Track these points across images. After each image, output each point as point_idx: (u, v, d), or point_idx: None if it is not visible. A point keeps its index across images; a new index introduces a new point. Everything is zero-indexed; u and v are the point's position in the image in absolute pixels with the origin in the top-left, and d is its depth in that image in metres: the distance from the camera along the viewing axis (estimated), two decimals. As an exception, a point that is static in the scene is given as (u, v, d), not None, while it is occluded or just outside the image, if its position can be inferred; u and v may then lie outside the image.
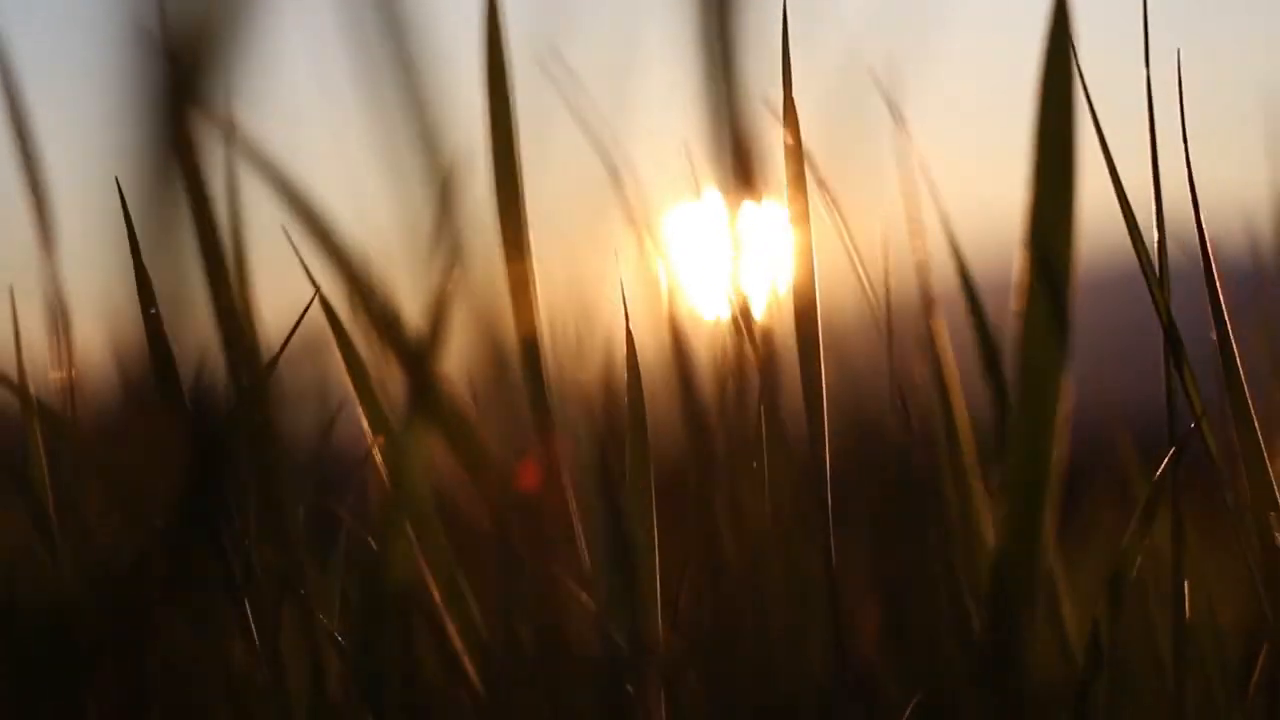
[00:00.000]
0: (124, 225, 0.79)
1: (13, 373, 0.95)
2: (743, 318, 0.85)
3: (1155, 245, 0.89)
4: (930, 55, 0.86)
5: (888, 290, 0.90)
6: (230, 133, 0.79)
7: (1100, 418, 1.14)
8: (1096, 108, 0.84)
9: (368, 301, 0.78)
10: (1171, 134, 0.88)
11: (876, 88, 0.90)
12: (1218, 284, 0.88)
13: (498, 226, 0.86)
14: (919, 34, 0.83)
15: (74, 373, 0.93)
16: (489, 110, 0.87)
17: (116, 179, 0.71)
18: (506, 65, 0.86)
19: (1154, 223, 0.89)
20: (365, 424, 0.89)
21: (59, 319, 0.92)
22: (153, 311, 0.85)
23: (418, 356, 0.77)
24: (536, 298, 0.85)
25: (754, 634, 0.84)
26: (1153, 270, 0.89)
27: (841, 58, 0.83)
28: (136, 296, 0.85)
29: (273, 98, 0.72)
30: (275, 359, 0.90)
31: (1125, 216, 0.89)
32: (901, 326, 0.89)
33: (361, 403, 0.90)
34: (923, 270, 0.89)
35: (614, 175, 0.87)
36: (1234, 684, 1.03)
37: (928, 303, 0.87)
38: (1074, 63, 0.75)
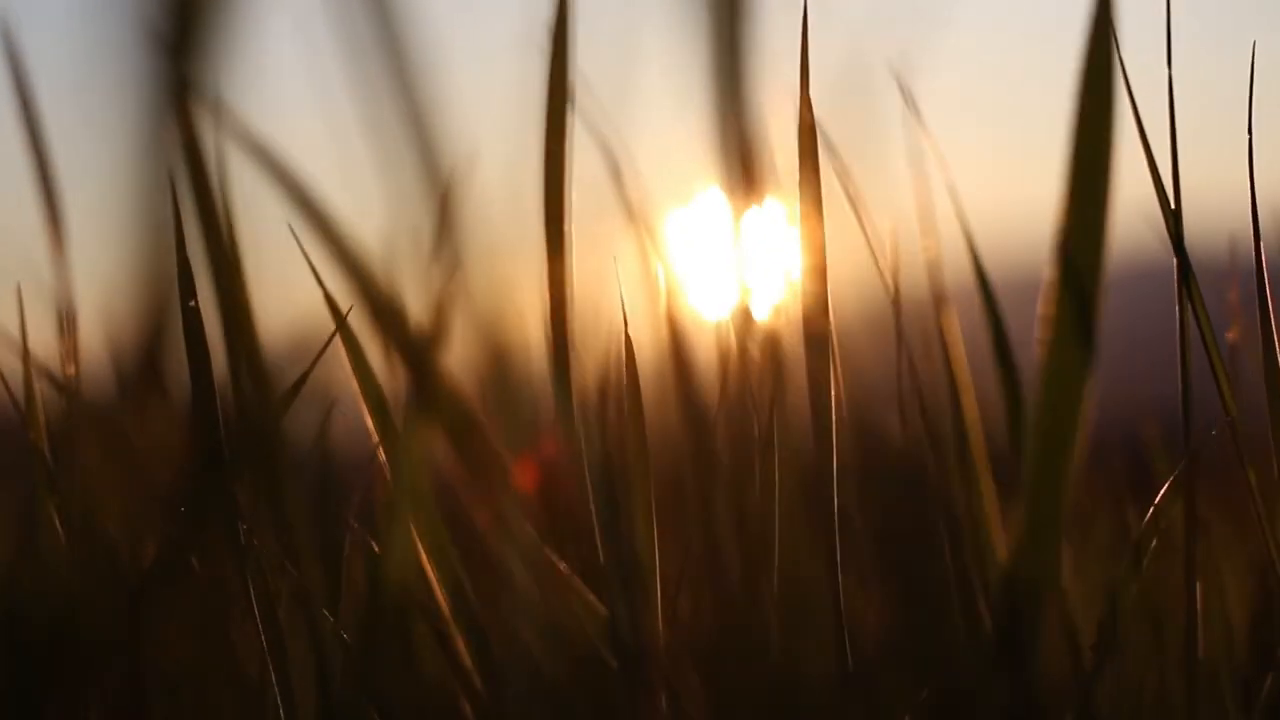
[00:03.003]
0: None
1: (18, 369, 0.92)
2: (746, 317, 0.82)
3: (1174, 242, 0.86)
4: (940, 52, 0.83)
5: (897, 287, 0.87)
6: (228, 125, 0.76)
7: (1114, 416, 1.11)
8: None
9: (371, 296, 0.74)
10: (1190, 133, 0.85)
11: (887, 83, 0.87)
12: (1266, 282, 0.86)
13: (541, 225, 0.84)
14: (929, 31, 0.80)
15: (78, 367, 0.90)
16: (546, 107, 0.84)
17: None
18: (569, 64, 0.83)
19: (1172, 220, 0.86)
20: (369, 421, 0.87)
21: (66, 314, 0.90)
22: (191, 305, 0.83)
23: (421, 352, 0.74)
24: (571, 296, 0.83)
25: (757, 634, 0.81)
26: (1183, 266, 0.86)
27: (851, 53, 0.80)
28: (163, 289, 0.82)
29: (267, 92, 0.69)
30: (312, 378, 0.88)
31: (1164, 214, 0.86)
32: (912, 323, 0.86)
33: (365, 400, 0.87)
34: (934, 267, 0.85)
35: (616, 172, 0.84)
36: (1245, 682, 1.01)
37: (939, 299, 0.84)
38: (1117, 62, 0.72)
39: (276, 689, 0.86)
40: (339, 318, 0.88)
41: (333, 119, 0.70)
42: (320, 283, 0.88)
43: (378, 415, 0.87)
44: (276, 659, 0.86)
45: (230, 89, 0.65)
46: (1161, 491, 0.89)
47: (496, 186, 0.78)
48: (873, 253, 0.85)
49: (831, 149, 0.85)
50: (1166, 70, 0.85)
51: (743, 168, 0.74)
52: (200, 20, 0.63)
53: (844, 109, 0.81)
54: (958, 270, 0.92)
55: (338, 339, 0.88)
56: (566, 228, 0.84)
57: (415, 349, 0.74)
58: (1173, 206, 0.86)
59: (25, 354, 0.92)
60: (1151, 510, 0.89)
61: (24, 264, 0.93)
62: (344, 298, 0.88)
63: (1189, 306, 0.86)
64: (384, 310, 0.74)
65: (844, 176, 0.85)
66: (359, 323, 0.88)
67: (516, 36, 0.85)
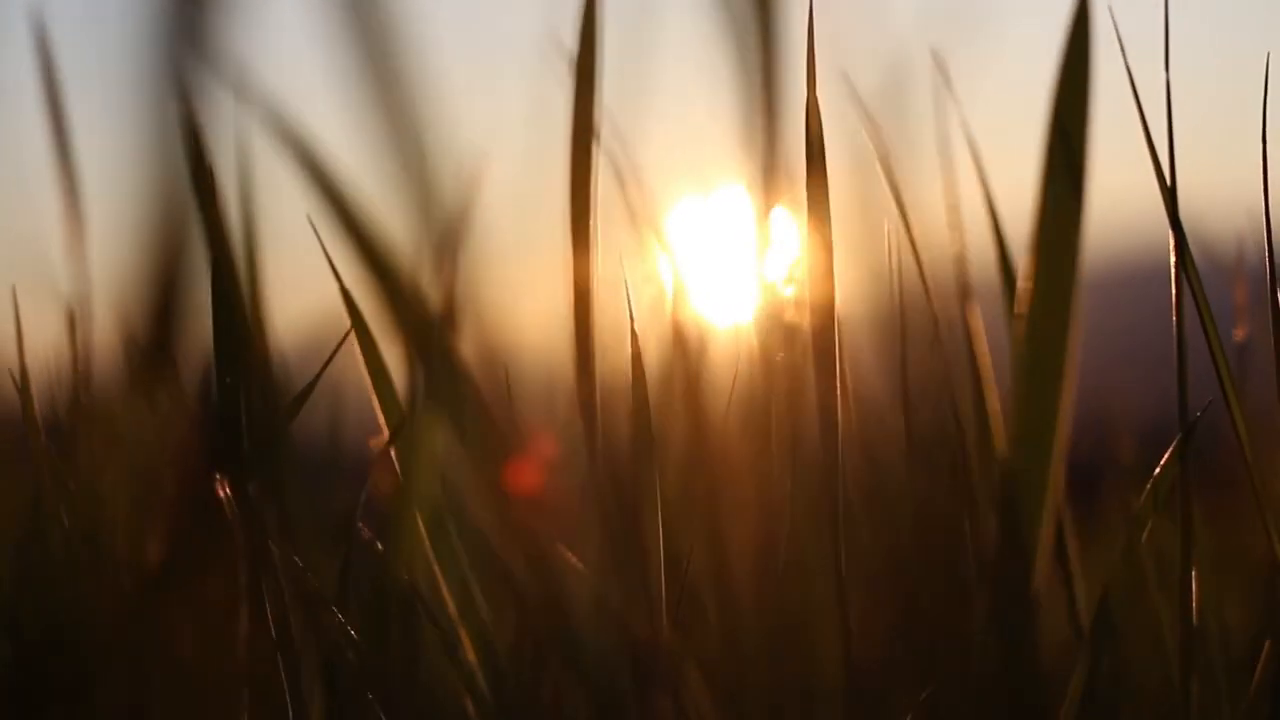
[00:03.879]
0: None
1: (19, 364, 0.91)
2: (760, 317, 0.81)
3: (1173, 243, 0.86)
4: (977, 47, 0.82)
5: (907, 282, 0.86)
6: (250, 106, 0.74)
7: (1104, 417, 1.11)
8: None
9: (388, 282, 0.73)
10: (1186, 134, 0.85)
11: (927, 79, 0.86)
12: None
13: (567, 222, 0.83)
14: (966, 25, 0.80)
15: (87, 360, 0.90)
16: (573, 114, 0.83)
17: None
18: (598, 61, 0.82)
19: (1168, 221, 0.86)
20: (380, 414, 0.86)
21: (79, 308, 0.89)
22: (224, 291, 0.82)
23: (434, 338, 0.73)
24: (593, 293, 0.82)
25: (761, 633, 0.81)
26: (1187, 267, 0.85)
27: (886, 48, 0.80)
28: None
29: (274, 91, 0.69)
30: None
31: (1169, 213, 0.86)
32: (935, 317, 0.85)
33: (376, 393, 0.86)
34: (961, 261, 0.85)
35: (625, 173, 0.83)
36: (1239, 675, 1.01)
37: (964, 292, 0.84)
38: (1091, 70, 0.73)
39: (286, 688, 0.85)
40: (355, 312, 0.87)
41: (340, 119, 0.69)
42: (337, 275, 0.87)
43: (389, 411, 0.86)
44: (287, 658, 0.85)
45: (238, 84, 0.65)
46: (1157, 469, 0.88)
47: (507, 186, 0.77)
48: (911, 246, 0.84)
49: (872, 144, 0.84)
50: (1163, 43, 0.84)
51: (768, 166, 0.74)
52: (207, 14, 0.62)
53: (883, 105, 0.81)
54: (988, 265, 0.91)
55: (351, 333, 0.87)
56: (592, 224, 0.83)
57: (431, 337, 0.73)
58: (1169, 183, 0.86)
59: (21, 347, 0.91)
60: (1148, 486, 0.88)
61: (29, 258, 0.92)
62: (360, 289, 0.86)
63: (1185, 284, 0.85)
64: (401, 298, 0.73)
65: (885, 171, 0.84)
66: (374, 316, 0.86)
67: (529, 38, 0.84)
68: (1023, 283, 0.76)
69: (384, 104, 0.66)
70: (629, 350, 0.85)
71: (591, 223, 0.82)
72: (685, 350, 0.80)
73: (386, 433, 0.86)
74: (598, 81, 0.82)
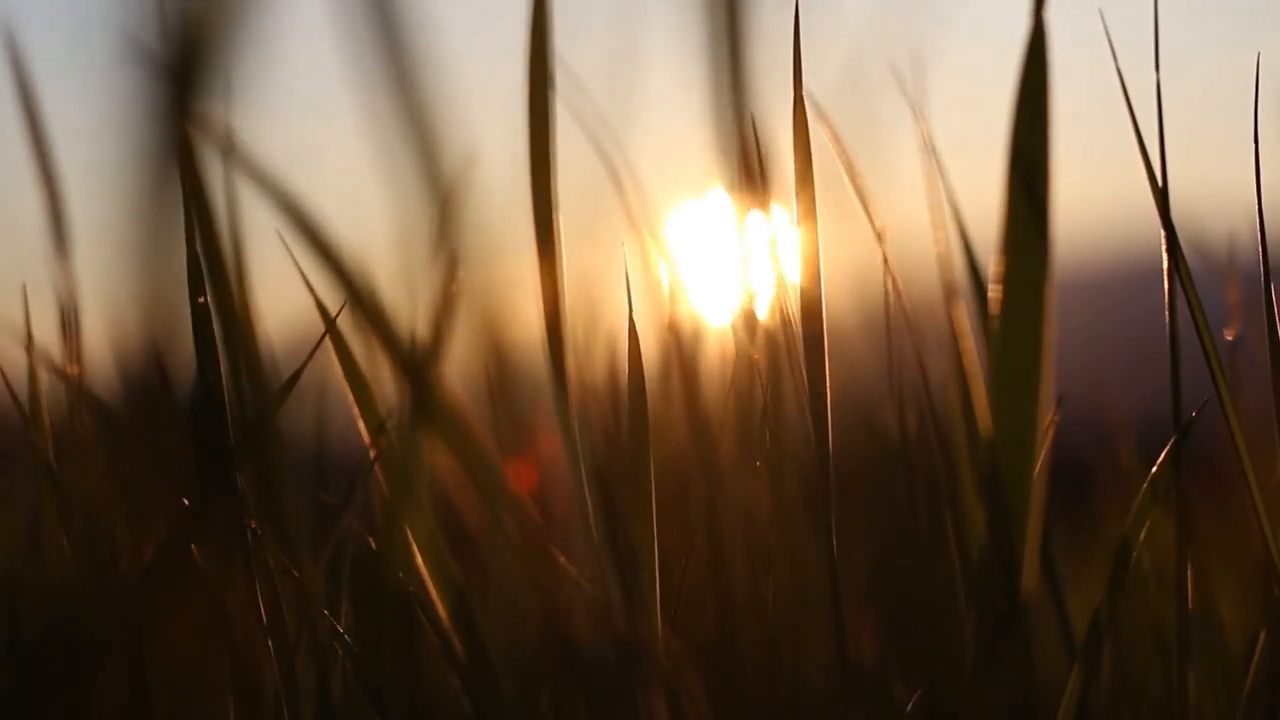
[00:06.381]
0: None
1: (23, 369, 0.91)
2: (747, 318, 0.80)
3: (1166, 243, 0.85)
4: (942, 50, 0.81)
5: (896, 284, 0.85)
6: (226, 139, 0.74)
7: (1099, 415, 1.10)
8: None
9: (364, 309, 0.72)
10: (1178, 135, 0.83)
11: (890, 81, 0.85)
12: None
13: (531, 224, 0.81)
14: (931, 29, 0.79)
15: (82, 365, 0.89)
16: (529, 112, 0.81)
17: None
18: (549, 67, 0.81)
19: (1160, 222, 0.84)
20: (363, 428, 0.85)
21: (69, 317, 0.88)
22: (200, 301, 0.81)
23: (416, 363, 0.72)
24: (563, 296, 0.80)
25: (755, 633, 0.79)
26: (1180, 266, 0.84)
27: (853, 52, 0.79)
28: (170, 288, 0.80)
29: (270, 103, 0.68)
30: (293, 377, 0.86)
31: (1161, 213, 0.84)
32: (914, 319, 0.84)
33: (358, 408, 0.85)
34: (943, 261, 0.83)
35: (615, 175, 0.82)
36: (1236, 672, 0.99)
37: (949, 293, 0.82)
38: (1049, 74, 0.72)
39: (281, 687, 0.84)
40: (330, 323, 0.86)
41: (336, 120, 0.68)
42: (310, 289, 0.87)
43: (371, 422, 0.85)
44: (282, 658, 0.84)
45: (234, 100, 0.64)
46: (1154, 468, 0.87)
47: (498, 186, 0.76)
48: (880, 247, 0.83)
49: (834, 145, 0.83)
50: (1154, 43, 0.83)
51: (744, 167, 0.73)
52: (204, 28, 0.61)
53: (847, 106, 0.80)
54: (957, 267, 0.90)
55: (330, 341, 0.86)
56: (556, 223, 0.81)
57: (409, 359, 0.72)
58: (1161, 183, 0.84)
59: (30, 351, 0.90)
60: (1145, 485, 0.87)
61: (29, 265, 0.92)
62: (336, 304, 0.86)
63: (1178, 284, 0.84)
64: (376, 321, 0.72)
65: (849, 172, 0.83)
66: (352, 328, 0.86)
67: (518, 36, 0.83)
68: (993, 285, 0.75)
69: (385, 98, 0.65)
70: (626, 346, 0.84)
71: (555, 217, 0.81)
72: (681, 347, 0.79)
73: (370, 440, 0.85)
74: (551, 67, 0.80)
